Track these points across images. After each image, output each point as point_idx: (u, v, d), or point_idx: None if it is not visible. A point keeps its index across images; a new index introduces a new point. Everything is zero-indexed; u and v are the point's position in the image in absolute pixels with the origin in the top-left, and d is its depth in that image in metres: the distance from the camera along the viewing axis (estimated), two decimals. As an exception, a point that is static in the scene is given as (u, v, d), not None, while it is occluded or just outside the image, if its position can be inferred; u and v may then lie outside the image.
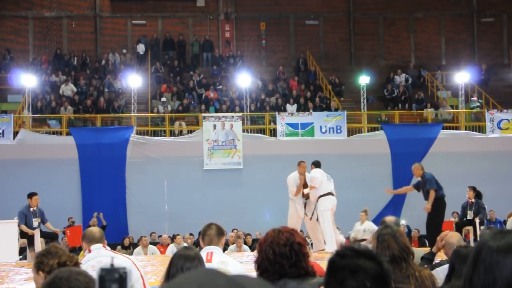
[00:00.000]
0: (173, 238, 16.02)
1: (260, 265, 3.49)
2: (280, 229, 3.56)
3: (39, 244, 12.31)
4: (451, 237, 5.50)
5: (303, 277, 3.42)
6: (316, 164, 12.60)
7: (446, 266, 4.75)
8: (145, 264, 9.97)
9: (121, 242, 16.45)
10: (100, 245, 5.05)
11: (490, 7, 28.22)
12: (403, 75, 25.64)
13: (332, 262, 2.09)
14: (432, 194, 12.33)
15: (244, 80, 22.11)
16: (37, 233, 12.25)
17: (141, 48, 26.37)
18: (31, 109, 21.35)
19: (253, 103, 22.73)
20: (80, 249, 15.19)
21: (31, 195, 12.54)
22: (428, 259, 5.78)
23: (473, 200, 14.09)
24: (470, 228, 13.95)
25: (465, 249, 4.28)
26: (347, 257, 2.06)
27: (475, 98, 23.32)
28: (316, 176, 12.27)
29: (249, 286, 1.47)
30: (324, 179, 12.28)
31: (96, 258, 4.88)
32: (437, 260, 5.82)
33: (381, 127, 20.61)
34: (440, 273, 4.93)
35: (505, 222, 16.37)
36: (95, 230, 5.25)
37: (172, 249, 14.34)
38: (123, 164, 19.20)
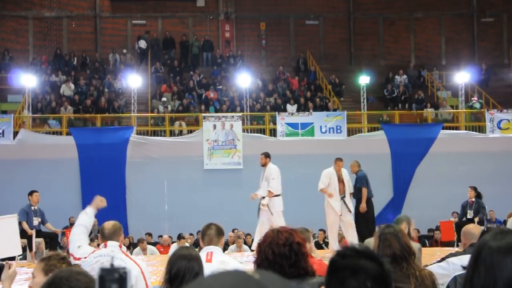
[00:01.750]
0: (178, 238, 15.91)
1: (259, 265, 3.49)
2: (279, 229, 3.56)
3: (35, 244, 12.31)
4: (473, 228, 5.46)
5: (302, 277, 3.42)
6: (270, 157, 12.05)
7: (461, 257, 4.71)
8: (145, 264, 9.93)
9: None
10: (116, 243, 5.04)
11: (490, 7, 28.23)
12: (404, 76, 25.62)
13: (333, 262, 2.09)
14: (364, 192, 12.36)
15: (244, 80, 22.11)
16: (34, 234, 12.25)
17: (142, 43, 26.41)
18: (31, 109, 21.35)
19: (253, 103, 22.74)
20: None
21: (31, 192, 12.57)
22: None
23: (473, 199, 14.11)
24: (470, 228, 13.93)
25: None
26: (348, 257, 2.06)
27: (475, 99, 23.31)
28: (275, 172, 11.82)
29: None
30: (279, 177, 11.86)
31: (107, 257, 4.87)
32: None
33: (381, 127, 20.61)
34: (450, 264, 4.85)
35: (505, 222, 16.36)
36: (108, 225, 5.17)
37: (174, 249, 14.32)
38: (123, 164, 19.20)
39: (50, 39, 26.87)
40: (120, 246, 5.07)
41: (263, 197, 11.77)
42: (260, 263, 3.48)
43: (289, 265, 3.41)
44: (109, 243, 5.03)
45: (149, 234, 17.48)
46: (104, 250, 5.03)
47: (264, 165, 11.90)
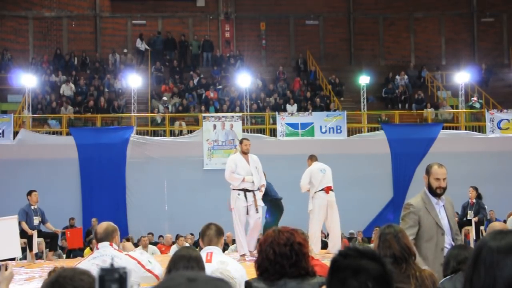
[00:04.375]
0: (176, 238, 15.96)
1: (260, 265, 3.50)
2: (280, 229, 3.57)
3: (36, 245, 12.31)
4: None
5: (303, 277, 3.43)
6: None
7: None
8: (139, 253, 9.91)
9: (121, 242, 16.42)
10: (107, 243, 5.08)
11: (490, 7, 28.22)
12: (406, 76, 25.61)
13: (334, 262, 2.09)
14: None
15: (244, 80, 22.11)
16: (35, 234, 12.25)
17: (142, 45, 26.42)
18: (31, 109, 21.35)
19: (253, 103, 22.74)
20: (81, 250, 15.25)
21: (30, 192, 12.57)
22: None
23: (474, 200, 14.11)
24: (470, 228, 13.96)
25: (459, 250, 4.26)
26: (350, 257, 2.06)
27: (475, 99, 23.30)
28: None
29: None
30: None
31: (101, 257, 4.91)
32: None
33: (381, 127, 20.61)
34: None
35: (505, 222, 16.36)
36: (100, 228, 5.23)
37: (174, 250, 14.33)
38: (123, 164, 19.20)
39: (50, 39, 26.87)
40: (111, 245, 5.09)
41: (258, 189, 10.74)
42: (261, 262, 3.49)
43: (290, 265, 3.41)
44: (100, 244, 5.08)
45: (151, 234, 17.55)
46: (97, 252, 5.07)
47: (248, 152, 10.88)
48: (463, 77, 22.43)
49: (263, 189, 10.91)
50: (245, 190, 10.53)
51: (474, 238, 13.59)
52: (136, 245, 16.09)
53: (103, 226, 5.23)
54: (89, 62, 26.13)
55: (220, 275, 4.74)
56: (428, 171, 5.81)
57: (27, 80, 20.99)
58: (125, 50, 26.55)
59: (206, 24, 27.86)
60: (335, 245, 11.44)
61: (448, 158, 19.74)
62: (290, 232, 3.51)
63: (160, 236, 17.50)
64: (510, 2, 27.82)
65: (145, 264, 4.99)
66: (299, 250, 3.43)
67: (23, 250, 12.47)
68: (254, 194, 10.59)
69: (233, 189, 10.63)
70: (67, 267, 2.31)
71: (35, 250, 12.26)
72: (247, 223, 10.70)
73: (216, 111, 22.46)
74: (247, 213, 10.51)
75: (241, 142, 11.10)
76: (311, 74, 26.17)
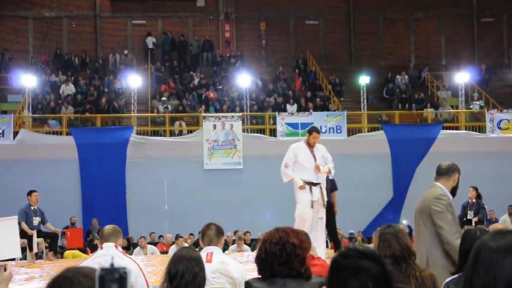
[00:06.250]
0: (176, 238, 15.98)
1: (256, 262, 3.53)
2: (278, 228, 3.58)
3: (36, 245, 12.31)
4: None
5: (294, 277, 3.43)
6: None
7: None
8: (145, 264, 9.93)
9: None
10: (112, 244, 5.11)
11: (490, 7, 28.22)
12: (406, 76, 25.60)
13: (335, 262, 2.09)
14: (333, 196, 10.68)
15: (244, 80, 22.11)
16: (35, 234, 12.25)
17: (150, 41, 26.44)
18: (31, 109, 21.35)
19: (253, 103, 22.74)
20: (82, 250, 15.23)
21: (30, 192, 12.58)
22: None
23: (474, 200, 14.10)
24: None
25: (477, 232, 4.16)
26: (350, 258, 2.06)
27: (477, 102, 23.28)
28: None
29: None
30: None
31: (104, 257, 4.93)
32: None
33: (381, 127, 20.61)
34: None
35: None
36: (106, 228, 5.31)
37: (173, 251, 14.33)
38: (123, 164, 19.20)
39: (50, 39, 26.86)
40: (116, 247, 5.11)
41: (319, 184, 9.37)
42: (256, 260, 3.53)
43: (279, 264, 3.42)
44: (105, 244, 5.12)
45: (154, 233, 17.60)
46: (100, 252, 5.11)
47: (314, 146, 9.68)
48: (463, 77, 22.43)
49: (326, 169, 9.46)
50: (311, 184, 9.30)
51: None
52: (135, 245, 16.12)
53: (110, 226, 5.35)
54: (89, 62, 26.13)
55: (220, 275, 4.75)
56: (459, 171, 5.37)
57: (27, 80, 20.99)
58: (126, 51, 26.54)
59: (206, 24, 27.86)
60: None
61: (448, 158, 19.63)
62: (287, 232, 3.51)
63: (160, 236, 17.50)
64: (510, 2, 27.81)
65: (145, 273, 5.00)
66: (292, 250, 3.42)
67: (23, 250, 12.47)
68: (321, 188, 9.33)
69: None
70: (71, 267, 2.30)
71: (35, 250, 12.26)
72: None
73: (216, 111, 22.46)
74: (312, 207, 9.26)
75: (310, 132, 9.68)
76: (311, 74, 26.16)
